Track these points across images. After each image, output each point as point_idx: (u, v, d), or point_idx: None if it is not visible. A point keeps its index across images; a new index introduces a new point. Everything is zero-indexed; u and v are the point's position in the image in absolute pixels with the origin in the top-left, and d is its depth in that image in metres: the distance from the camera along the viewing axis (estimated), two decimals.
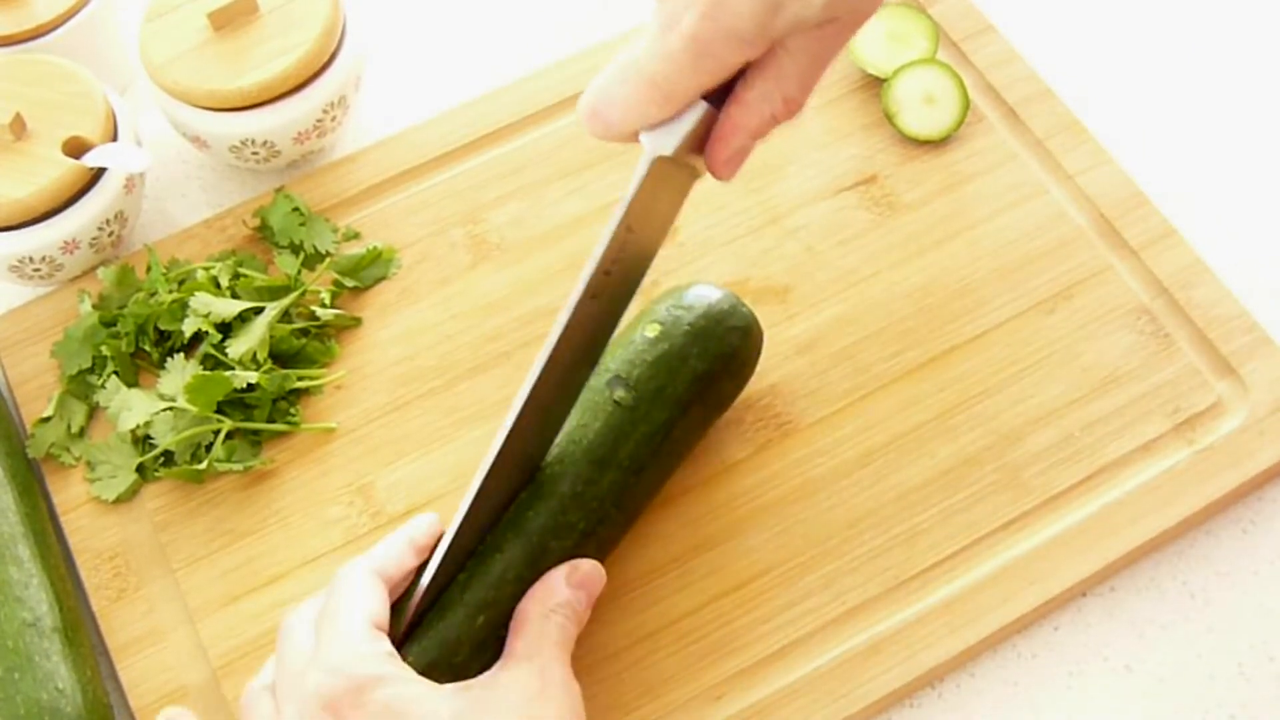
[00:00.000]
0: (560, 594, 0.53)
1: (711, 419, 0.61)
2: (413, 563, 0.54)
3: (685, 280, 0.67)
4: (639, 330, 0.59)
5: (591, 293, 0.51)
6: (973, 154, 0.71)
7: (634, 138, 0.51)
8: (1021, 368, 0.65)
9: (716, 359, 0.59)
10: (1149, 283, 0.67)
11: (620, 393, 0.57)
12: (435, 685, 0.49)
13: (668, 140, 0.49)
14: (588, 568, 0.54)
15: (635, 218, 0.51)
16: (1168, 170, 0.72)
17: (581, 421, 0.56)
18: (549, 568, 0.54)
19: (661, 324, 0.58)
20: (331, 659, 0.49)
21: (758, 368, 0.64)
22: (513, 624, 0.53)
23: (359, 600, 0.51)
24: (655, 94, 0.48)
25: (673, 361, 0.58)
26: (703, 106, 0.49)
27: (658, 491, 0.60)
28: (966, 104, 0.71)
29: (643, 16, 0.77)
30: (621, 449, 0.56)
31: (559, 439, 0.56)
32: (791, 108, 0.49)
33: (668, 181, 0.52)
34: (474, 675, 0.52)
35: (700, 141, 0.50)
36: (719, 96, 0.49)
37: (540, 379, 0.52)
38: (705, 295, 0.60)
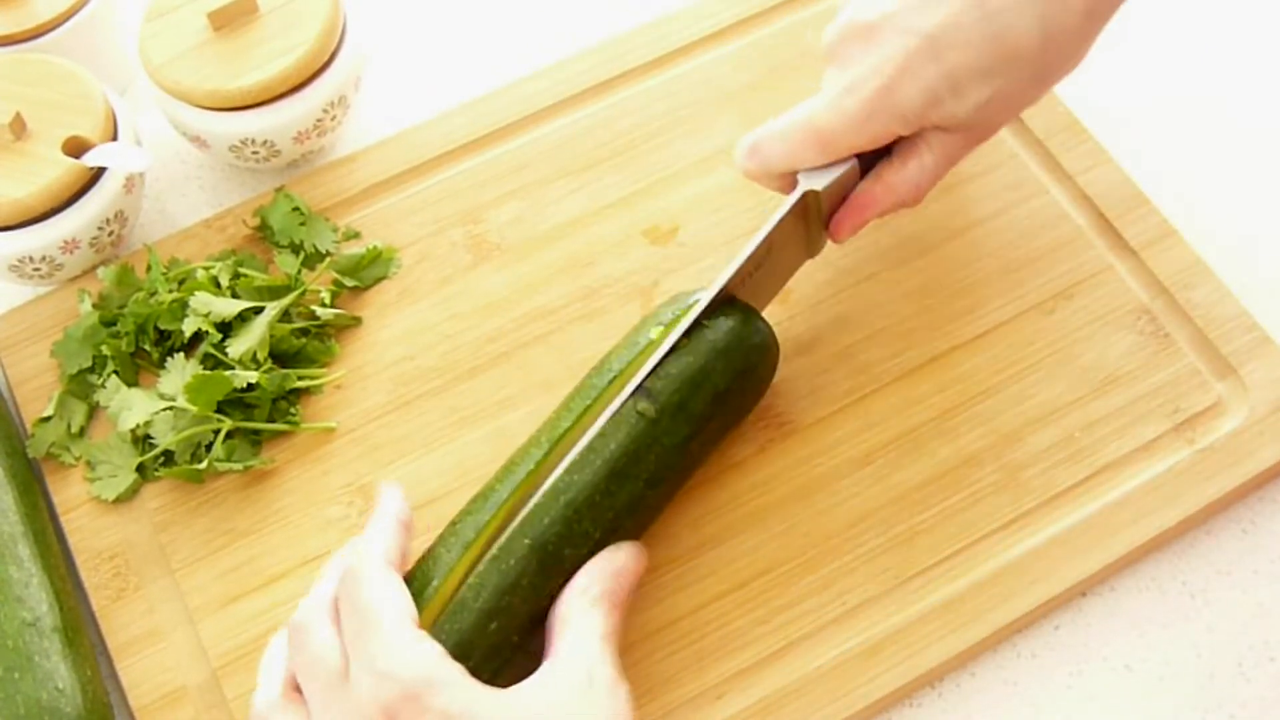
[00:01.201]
0: (602, 584, 0.53)
1: (727, 432, 0.61)
2: (409, 545, 0.54)
3: (685, 280, 0.67)
4: (657, 337, 0.59)
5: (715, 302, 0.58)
6: (973, 154, 0.71)
7: (779, 179, 0.60)
8: (1021, 368, 0.65)
9: (738, 376, 0.59)
10: (1149, 283, 0.67)
11: (644, 404, 0.56)
12: (487, 688, 0.48)
13: (821, 179, 0.59)
14: (626, 554, 0.54)
15: (774, 242, 0.59)
16: (1168, 170, 0.72)
17: (602, 431, 0.56)
18: (561, 575, 0.54)
19: (688, 337, 0.58)
20: (382, 663, 0.47)
21: None
22: (555, 622, 0.52)
23: (391, 597, 0.50)
24: (818, 142, 0.58)
25: (697, 377, 0.57)
26: (853, 162, 0.59)
27: (670, 501, 0.60)
28: None
29: (641, 16, 0.77)
30: (642, 462, 0.56)
31: (573, 443, 0.56)
32: (917, 195, 0.60)
33: (798, 228, 0.61)
34: (485, 680, 0.51)
35: (833, 209, 0.61)
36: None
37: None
38: (731, 311, 0.60)
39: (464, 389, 0.66)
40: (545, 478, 0.55)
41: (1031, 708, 0.59)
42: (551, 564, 0.54)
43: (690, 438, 0.57)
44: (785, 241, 0.60)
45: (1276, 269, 0.69)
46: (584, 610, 0.52)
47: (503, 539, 0.54)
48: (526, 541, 0.54)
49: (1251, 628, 0.60)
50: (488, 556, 0.54)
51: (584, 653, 0.50)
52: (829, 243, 0.63)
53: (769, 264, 0.60)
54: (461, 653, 0.51)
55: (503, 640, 0.53)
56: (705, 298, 0.58)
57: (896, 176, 0.59)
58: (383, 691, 0.47)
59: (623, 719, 0.50)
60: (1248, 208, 0.71)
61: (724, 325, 0.59)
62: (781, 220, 0.58)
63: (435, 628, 0.52)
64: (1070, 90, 0.73)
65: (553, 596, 0.53)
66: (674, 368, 0.57)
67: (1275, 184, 0.72)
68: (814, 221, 0.61)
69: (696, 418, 0.57)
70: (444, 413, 0.65)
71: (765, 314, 0.61)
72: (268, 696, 0.51)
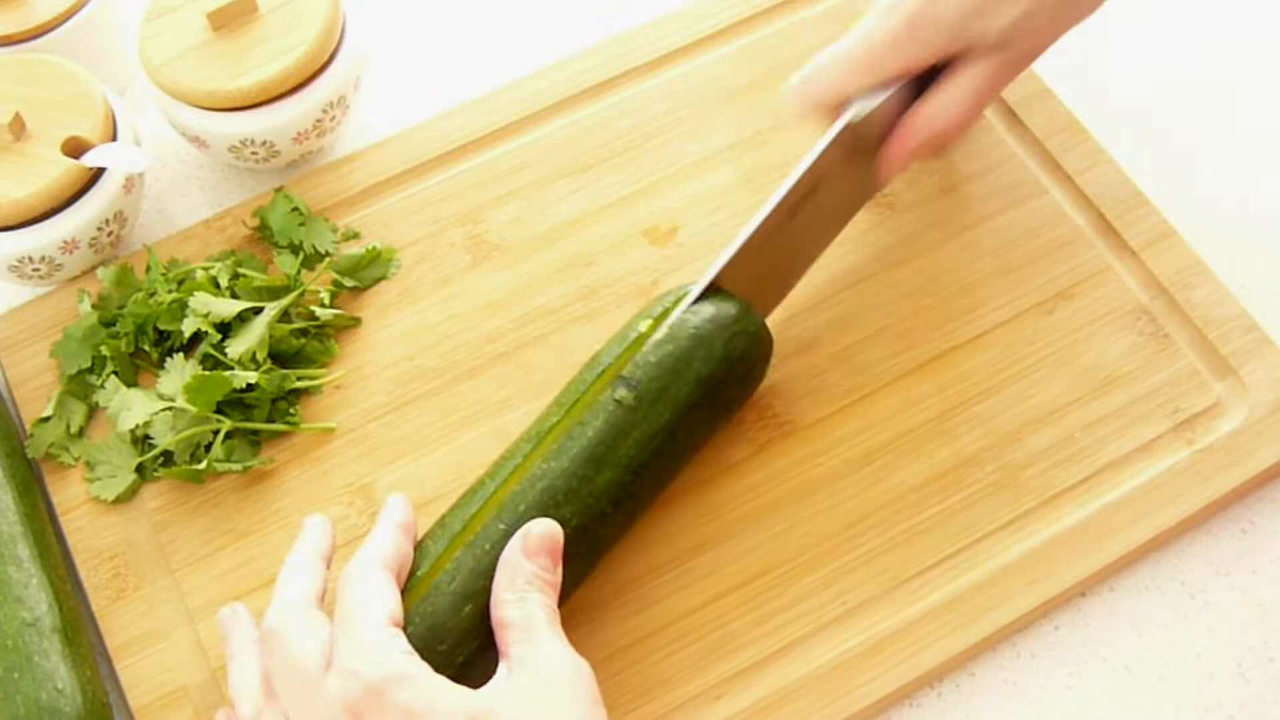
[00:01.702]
0: (523, 569, 0.52)
1: (718, 422, 0.61)
2: (409, 548, 0.54)
3: (685, 280, 0.67)
4: (646, 329, 0.59)
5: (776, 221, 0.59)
6: (972, 154, 0.71)
7: (832, 113, 0.60)
8: (1021, 368, 0.65)
9: (722, 363, 0.59)
10: (1149, 283, 0.67)
11: (622, 392, 0.57)
12: (452, 685, 0.48)
13: (861, 109, 0.59)
14: (538, 531, 0.53)
15: (815, 179, 0.59)
16: (1168, 170, 0.72)
17: (580, 419, 0.56)
18: None
19: (669, 325, 0.58)
20: (349, 662, 0.48)
21: None
22: (495, 625, 0.52)
23: (376, 598, 0.50)
24: (863, 64, 0.59)
25: (677, 364, 0.58)
26: (894, 89, 0.59)
27: (659, 492, 0.59)
28: None
29: (641, 16, 0.77)
30: (619, 448, 0.56)
31: (558, 435, 0.56)
32: (954, 126, 0.61)
33: (848, 163, 0.60)
34: (460, 662, 0.52)
35: (880, 140, 0.61)
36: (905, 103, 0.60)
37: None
38: (713, 298, 0.60)
39: (464, 389, 0.66)
40: (530, 469, 0.55)
41: (1031, 708, 0.59)
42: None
43: (673, 425, 0.57)
44: (834, 181, 0.60)
45: (1276, 269, 0.69)
46: (517, 605, 0.51)
47: (480, 526, 0.54)
48: (502, 527, 0.54)
49: (1251, 628, 0.60)
50: (464, 543, 0.54)
51: (534, 648, 0.50)
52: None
53: (816, 205, 0.60)
54: (435, 636, 0.52)
55: (475, 624, 0.53)
56: (709, 275, 0.58)
57: (933, 106, 0.60)
58: (348, 688, 0.47)
59: (589, 698, 0.49)
60: (1248, 208, 0.71)
61: (707, 312, 0.59)
62: (820, 157, 0.58)
63: (412, 612, 0.52)
64: (1070, 90, 0.73)
65: None
66: (654, 355, 0.58)
67: (1275, 184, 0.72)
68: (863, 161, 0.61)
69: (678, 404, 0.57)
70: (443, 413, 0.65)
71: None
72: (249, 698, 0.51)
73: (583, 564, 0.56)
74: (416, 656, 0.49)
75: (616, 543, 0.59)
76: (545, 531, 0.53)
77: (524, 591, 0.52)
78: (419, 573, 0.54)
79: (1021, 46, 0.60)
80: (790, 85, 0.61)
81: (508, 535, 0.53)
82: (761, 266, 0.60)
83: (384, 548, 0.53)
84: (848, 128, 0.59)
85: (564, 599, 0.54)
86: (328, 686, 0.48)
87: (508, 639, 0.51)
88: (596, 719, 0.49)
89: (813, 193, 0.58)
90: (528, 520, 0.54)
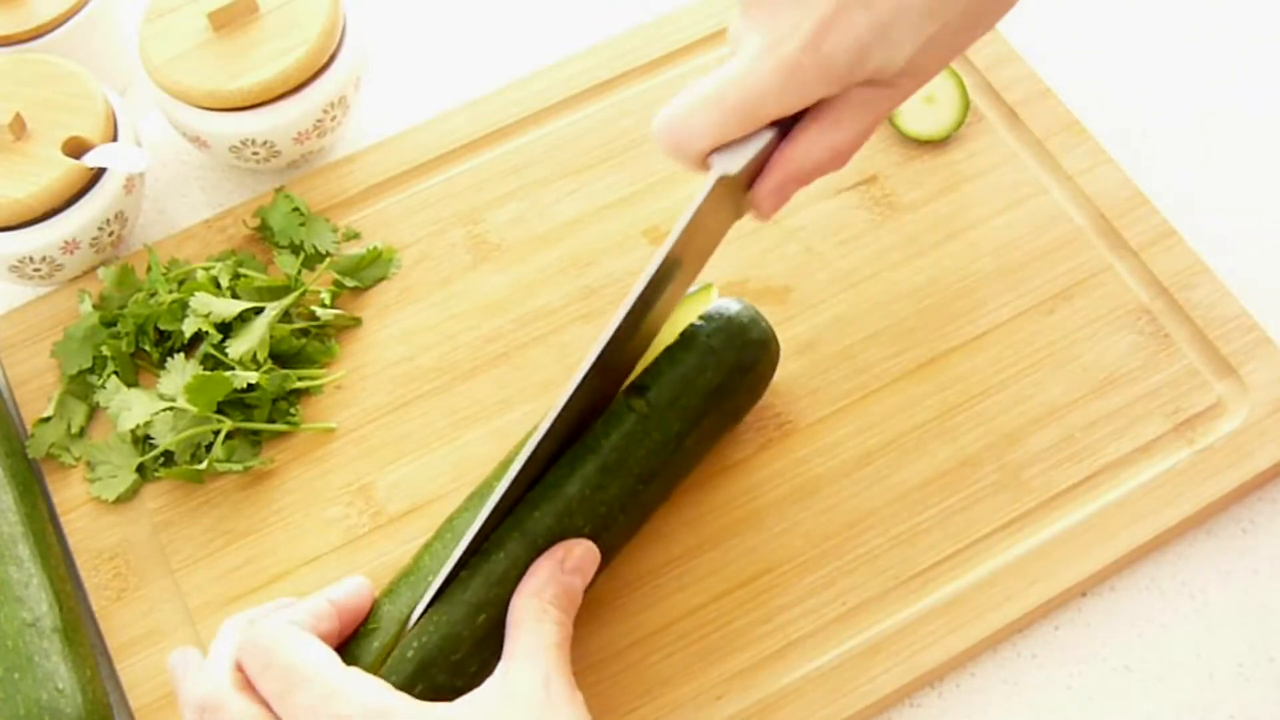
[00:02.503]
0: (556, 583, 0.52)
1: (725, 430, 0.61)
2: (332, 620, 0.51)
3: None
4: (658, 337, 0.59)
5: (636, 309, 0.53)
6: (973, 154, 0.71)
7: (699, 161, 0.52)
8: (1021, 368, 0.65)
9: (734, 372, 0.59)
10: (1149, 283, 0.67)
11: (637, 400, 0.57)
12: (437, 707, 0.48)
13: (735, 161, 0.51)
14: (581, 551, 0.53)
15: (692, 234, 0.53)
16: (1168, 170, 0.72)
17: (594, 428, 0.56)
18: None
19: (681, 334, 0.58)
20: (328, 708, 0.46)
21: None
22: (509, 621, 0.52)
23: (311, 648, 0.48)
24: (736, 113, 0.50)
25: (690, 374, 0.58)
26: (770, 133, 0.52)
27: (665, 499, 0.60)
28: (966, 104, 0.71)
29: (641, 16, 0.77)
30: (632, 456, 0.56)
31: (574, 443, 0.57)
32: (838, 159, 0.53)
33: (721, 206, 0.54)
34: (472, 672, 0.52)
35: (753, 176, 0.53)
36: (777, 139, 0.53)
37: (575, 390, 0.53)
38: (726, 308, 0.60)
39: (463, 389, 0.66)
40: (537, 473, 0.55)
41: (1031, 708, 0.59)
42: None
43: (683, 434, 0.57)
44: (706, 225, 0.55)
45: (1276, 269, 0.69)
46: (537, 615, 0.51)
47: (494, 534, 0.54)
48: (516, 534, 0.54)
49: (1251, 628, 0.60)
50: (479, 550, 0.54)
51: (538, 661, 0.50)
52: (830, 241, 0.62)
53: (692, 249, 0.56)
54: (450, 645, 0.52)
55: (490, 632, 0.53)
56: (619, 314, 0.53)
57: (820, 144, 0.52)
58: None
59: None
60: (1248, 208, 0.71)
61: (719, 321, 0.59)
62: (696, 214, 0.52)
63: (426, 620, 0.52)
64: (1070, 90, 0.73)
65: None
66: (667, 364, 0.58)
67: (1275, 184, 0.72)
68: (736, 194, 0.55)
69: (689, 413, 0.58)
70: (444, 413, 0.65)
71: (765, 313, 0.61)
72: None
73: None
74: (393, 690, 0.48)
75: (620, 550, 0.59)
76: (587, 553, 0.53)
77: (550, 604, 0.51)
78: (428, 578, 0.54)
79: (921, 75, 0.52)
80: (656, 126, 0.52)
81: (522, 544, 0.54)
82: (641, 329, 0.57)
83: (298, 613, 0.51)
84: (720, 181, 0.52)
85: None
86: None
87: (516, 639, 0.51)
88: None
89: (690, 244, 0.55)
90: (542, 527, 0.54)
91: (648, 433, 0.57)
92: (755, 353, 0.60)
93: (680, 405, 0.57)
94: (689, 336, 0.58)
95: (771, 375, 0.62)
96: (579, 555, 0.53)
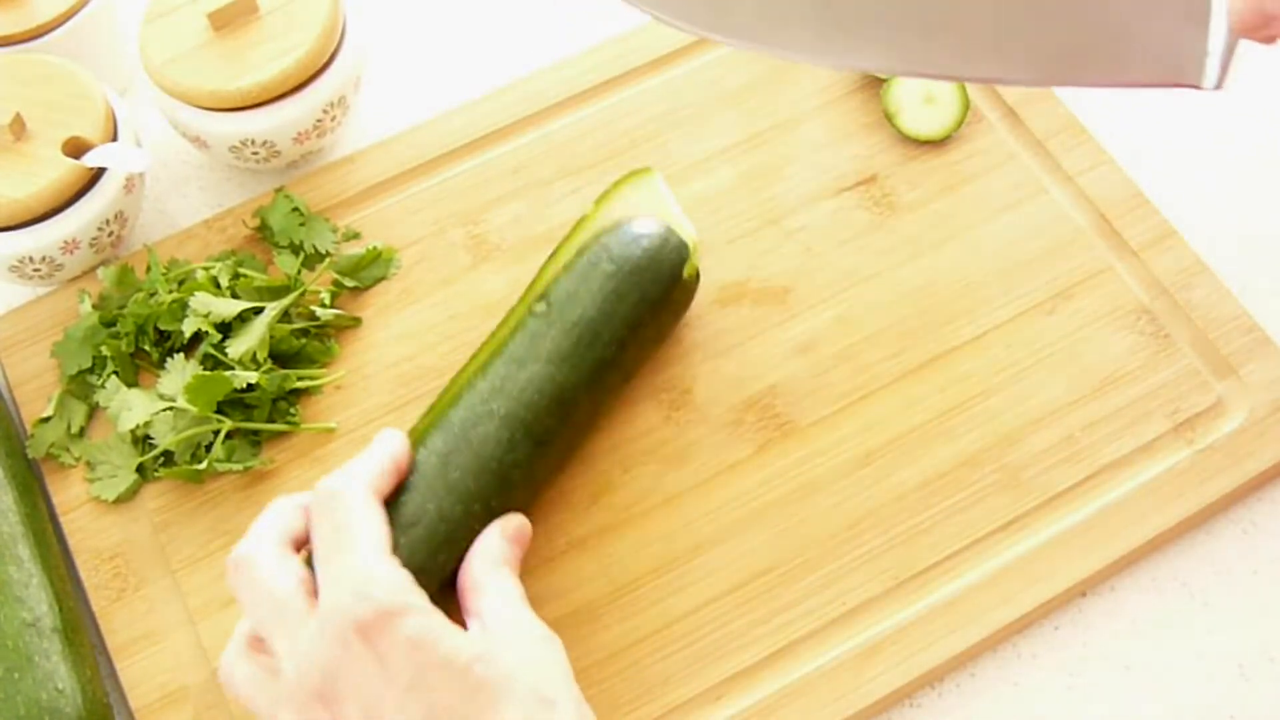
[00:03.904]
0: (503, 549, 0.54)
1: (643, 331, 0.61)
2: (393, 485, 0.54)
3: None
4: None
5: None
6: (973, 154, 0.71)
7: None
8: (1021, 368, 0.65)
9: (628, 265, 0.60)
10: (1149, 283, 0.67)
11: (539, 306, 0.60)
12: (450, 622, 0.48)
13: None
14: (515, 523, 0.55)
15: None
16: (1168, 170, 0.72)
17: (503, 336, 0.60)
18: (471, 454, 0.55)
19: (582, 249, 0.62)
20: (358, 583, 0.47)
21: (758, 368, 0.64)
22: (467, 587, 0.52)
23: (371, 524, 0.50)
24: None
25: (586, 269, 0.60)
26: None
27: (601, 393, 0.60)
28: (966, 104, 0.71)
29: (642, 17, 0.76)
30: (539, 347, 0.58)
31: (487, 353, 0.60)
32: None
33: None
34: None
35: None
36: None
37: None
38: (630, 225, 0.62)
39: None
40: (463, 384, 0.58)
41: (1031, 708, 0.59)
42: (463, 447, 0.56)
43: (590, 320, 0.59)
44: None
45: (1276, 269, 0.69)
46: (494, 572, 0.52)
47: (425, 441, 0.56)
48: (437, 430, 0.56)
49: (1251, 628, 0.60)
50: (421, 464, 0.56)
51: (511, 609, 0.51)
52: (830, 241, 0.62)
53: None
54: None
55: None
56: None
57: None
58: (359, 608, 0.47)
59: (565, 666, 0.50)
60: (1248, 208, 0.71)
61: (621, 234, 0.61)
62: None
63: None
64: (1070, 90, 0.73)
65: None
66: (564, 272, 0.61)
67: (1275, 184, 0.72)
68: None
69: (589, 302, 0.59)
70: None
71: (765, 313, 0.61)
72: (227, 655, 0.50)
73: (526, 454, 0.57)
74: (420, 589, 0.49)
75: (557, 444, 0.59)
76: (521, 524, 0.55)
77: (499, 566, 0.53)
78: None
79: None
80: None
81: (442, 437, 0.56)
82: None
83: (374, 474, 0.53)
84: None
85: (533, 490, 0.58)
86: (332, 604, 0.47)
87: (481, 597, 0.51)
88: (573, 685, 0.49)
89: None
90: (465, 430, 0.56)
91: (551, 324, 0.59)
92: (651, 248, 0.61)
93: (580, 296, 0.59)
94: (592, 249, 0.61)
95: (677, 275, 0.62)
96: (515, 525, 0.55)
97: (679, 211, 0.64)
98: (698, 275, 0.63)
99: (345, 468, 0.53)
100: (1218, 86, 0.46)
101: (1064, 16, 0.46)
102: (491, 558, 0.53)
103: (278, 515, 0.52)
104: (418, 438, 0.56)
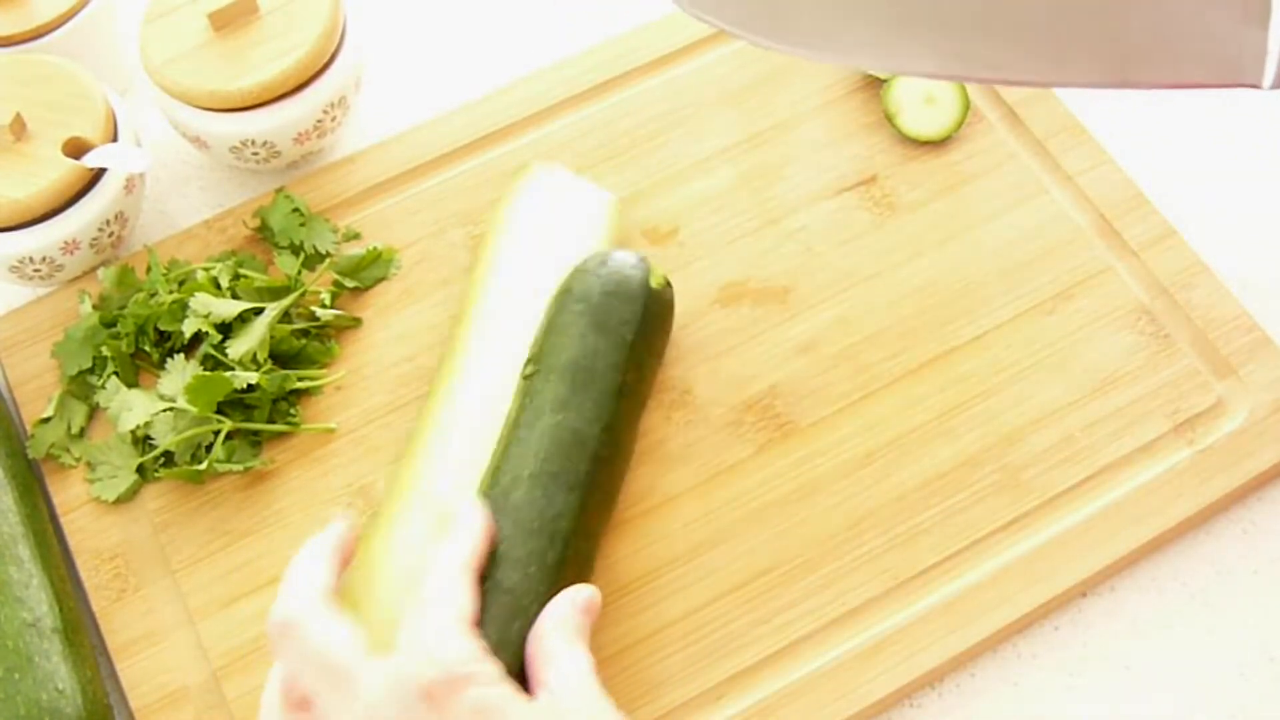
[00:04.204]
0: (575, 618, 0.53)
1: (635, 351, 0.61)
2: (485, 562, 0.54)
3: (685, 279, 0.67)
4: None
5: None
6: (973, 154, 0.71)
7: None
8: (1022, 368, 0.65)
9: (600, 301, 0.61)
10: (1149, 283, 0.67)
11: (528, 369, 0.60)
12: (520, 693, 0.48)
13: None
14: (589, 592, 0.54)
15: None
16: (1168, 170, 0.72)
17: (511, 412, 0.60)
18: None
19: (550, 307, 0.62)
20: (432, 647, 0.48)
21: (758, 368, 0.64)
22: (537, 656, 0.51)
23: (461, 597, 0.50)
24: None
25: (557, 318, 0.61)
26: None
27: (608, 423, 0.59)
28: (967, 104, 0.71)
29: (642, 17, 0.77)
30: (540, 401, 0.58)
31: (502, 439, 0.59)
32: None
33: None
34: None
35: None
36: None
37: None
38: (587, 261, 0.63)
39: None
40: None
41: (1031, 708, 0.59)
42: (501, 516, 0.55)
43: (576, 363, 0.59)
44: None
45: (1276, 269, 0.69)
46: (568, 643, 0.51)
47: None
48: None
49: (1251, 628, 0.60)
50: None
51: (580, 682, 0.50)
52: (830, 241, 0.63)
53: None
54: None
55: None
56: None
57: None
58: (429, 672, 0.47)
59: None
60: (1248, 208, 0.71)
61: (574, 274, 0.62)
62: None
63: None
64: (1070, 90, 0.73)
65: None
66: (542, 327, 0.62)
67: (1275, 184, 0.72)
68: None
69: (568, 339, 0.60)
70: None
71: (765, 313, 0.61)
72: (266, 717, 0.50)
73: (564, 504, 0.56)
74: (492, 661, 0.49)
75: (594, 479, 0.58)
76: (592, 595, 0.54)
77: (569, 637, 0.52)
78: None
79: None
80: None
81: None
82: None
83: (470, 552, 0.53)
84: None
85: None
86: (401, 666, 0.47)
87: (550, 670, 0.51)
88: None
89: None
90: (500, 501, 0.56)
91: (545, 379, 0.59)
92: (606, 278, 0.61)
93: (561, 345, 0.60)
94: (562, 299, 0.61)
95: (643, 290, 0.62)
96: (587, 596, 0.54)
97: (584, 181, 0.67)
98: (668, 282, 0.63)
99: (448, 547, 0.53)
100: (1276, 86, 0.47)
101: (1124, 18, 0.46)
102: (562, 628, 0.52)
103: (313, 568, 0.52)
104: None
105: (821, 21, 0.45)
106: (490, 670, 0.48)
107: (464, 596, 0.51)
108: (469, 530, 0.54)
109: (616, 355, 0.60)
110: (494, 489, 0.56)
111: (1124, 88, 0.47)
